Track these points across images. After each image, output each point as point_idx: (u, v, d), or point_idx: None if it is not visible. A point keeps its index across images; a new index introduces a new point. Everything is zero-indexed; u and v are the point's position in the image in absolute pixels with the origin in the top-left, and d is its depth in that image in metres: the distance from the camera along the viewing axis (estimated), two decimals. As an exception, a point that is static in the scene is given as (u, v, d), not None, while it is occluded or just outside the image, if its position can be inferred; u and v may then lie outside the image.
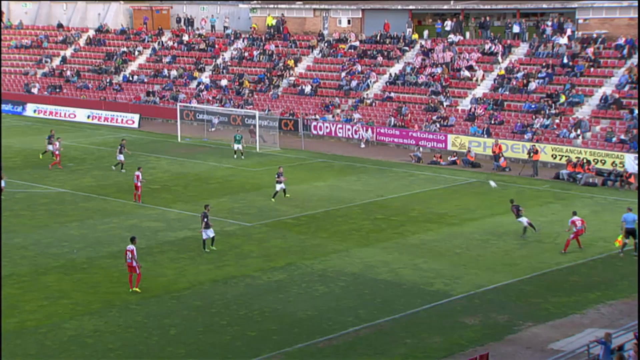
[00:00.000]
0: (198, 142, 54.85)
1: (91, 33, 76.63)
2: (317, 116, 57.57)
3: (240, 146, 48.61)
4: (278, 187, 37.88)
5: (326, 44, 64.77)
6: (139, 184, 36.93)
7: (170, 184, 41.57)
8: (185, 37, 71.63)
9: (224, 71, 66.47)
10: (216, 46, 69.81)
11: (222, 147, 53.06)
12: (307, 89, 61.30)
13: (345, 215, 35.00)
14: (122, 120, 62.87)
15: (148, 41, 73.57)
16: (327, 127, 56.11)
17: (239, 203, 37.46)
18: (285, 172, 44.38)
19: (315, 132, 56.54)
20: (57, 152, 44.93)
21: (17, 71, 75.86)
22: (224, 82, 64.88)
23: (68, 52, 76.17)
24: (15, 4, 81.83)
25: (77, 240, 31.11)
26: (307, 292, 25.59)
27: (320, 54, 64.48)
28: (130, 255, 25.29)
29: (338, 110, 57.74)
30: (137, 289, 25.28)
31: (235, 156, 48.38)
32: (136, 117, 62.40)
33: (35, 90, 70.88)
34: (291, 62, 64.27)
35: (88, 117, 64.37)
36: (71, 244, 30.50)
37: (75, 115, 65.05)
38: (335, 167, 46.56)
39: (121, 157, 43.97)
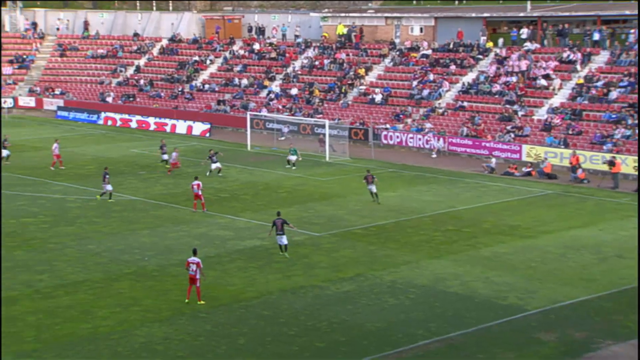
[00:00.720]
0: (267, 151, 55.39)
1: (164, 42, 78.44)
2: (388, 125, 57.43)
3: (293, 158, 48.87)
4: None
5: (398, 53, 64.63)
6: (199, 192, 37.28)
7: (239, 192, 42.10)
8: (256, 46, 72.58)
9: (294, 80, 67.03)
10: (287, 55, 70.47)
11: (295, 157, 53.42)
12: (378, 97, 61.23)
13: (415, 226, 34.77)
14: (194, 129, 64.02)
15: (219, 50, 74.83)
16: (397, 137, 55.89)
17: (307, 212, 37.65)
18: (354, 182, 44.36)
19: (385, 141, 56.40)
20: (173, 162, 46.77)
21: (93, 80, 78.22)
22: (294, 91, 65.43)
23: (142, 61, 78.13)
24: (93, 15, 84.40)
25: (148, 247, 31.81)
26: (376, 304, 25.48)
27: (392, 63, 64.36)
28: (194, 268, 25.03)
29: (409, 120, 57.47)
30: (201, 302, 25.18)
31: (287, 165, 48.77)
32: (207, 126, 63.43)
33: (109, 99, 72.90)
34: (362, 71, 64.36)
35: (160, 125, 65.74)
36: (142, 251, 31.19)
37: (147, 124, 66.59)
38: (405, 177, 46.34)
39: (216, 165, 45.20)
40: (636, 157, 44.77)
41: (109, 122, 68.71)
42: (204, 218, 36.48)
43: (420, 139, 54.44)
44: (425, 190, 41.95)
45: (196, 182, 37.86)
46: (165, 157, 48.84)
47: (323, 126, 55.97)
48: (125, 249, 31.49)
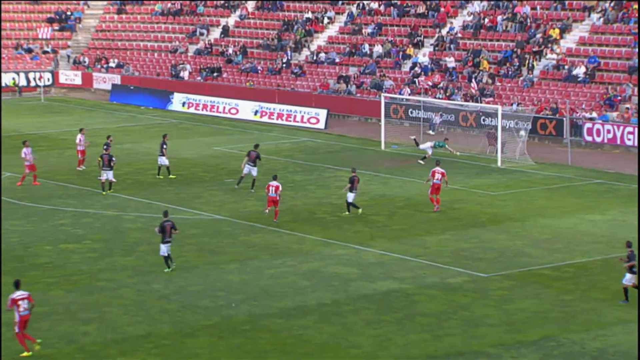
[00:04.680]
0: (411, 150, 55.44)
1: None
2: (594, 114, 56.40)
3: (430, 151, 50.19)
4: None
5: (612, 4, 63.38)
6: (277, 197, 39.68)
7: (368, 211, 42.28)
8: (396, -3, 73.02)
9: (452, 46, 66.85)
10: (442, 9, 70.46)
11: (446, 158, 53.24)
12: (579, 72, 60.22)
13: (634, 266, 33.97)
14: (303, 117, 64.97)
15: (343, 3, 75.66)
16: (608, 131, 54.83)
17: (468, 243, 37.42)
18: (540, 199, 43.63)
19: (589, 138, 55.50)
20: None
21: (163, 48, 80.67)
22: (451, 63, 65.28)
23: (231, 20, 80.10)
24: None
25: (236, 289, 32.36)
26: (572, 383, 25.06)
27: (602, 19, 63.16)
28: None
29: (627, 105, 56.28)
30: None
31: (420, 161, 50.34)
32: (323, 113, 64.24)
33: (185, 75, 75.06)
34: (555, 32, 63.47)
35: (255, 112, 67.18)
36: (228, 295, 31.80)
37: (237, 111, 68.09)
38: (620, 192, 45.34)
39: (248, 170, 45.79)
40: None
41: (184, 107, 70.68)
42: (316, 247, 36.86)
43: (643, 135, 53.48)
44: (651, 213, 40.91)
45: (274, 183, 39.74)
46: (164, 161, 48.58)
47: (494, 115, 55.43)
48: (205, 291, 32.18)
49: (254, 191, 44.97)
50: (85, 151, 50.42)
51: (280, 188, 39.84)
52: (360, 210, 41.43)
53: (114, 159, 45.22)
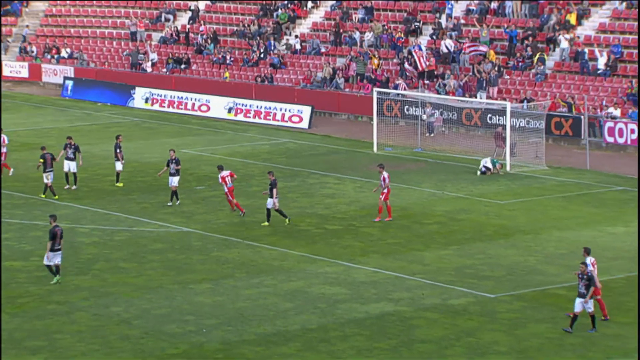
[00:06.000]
0: (407, 153, 55.41)
1: (237, -28, 79.94)
2: (617, 111, 56.52)
3: (489, 164, 50.00)
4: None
5: (636, -15, 63.61)
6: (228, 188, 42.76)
7: (358, 222, 42.26)
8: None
9: (453, 34, 66.83)
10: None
11: (448, 162, 53.30)
12: (600, 63, 60.31)
13: (663, 285, 34.04)
14: (284, 115, 64.91)
15: (328, -16, 75.63)
16: (632, 131, 54.99)
17: (473, 259, 37.43)
18: (554, 208, 43.68)
19: (610, 138, 55.68)
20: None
21: (122, 35, 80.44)
22: (445, 47, 65.03)
23: (201, 3, 79.90)
24: None
25: (208, 312, 32.28)
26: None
27: (624, 3, 63.29)
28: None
29: (654, 101, 56.45)
30: None
31: (479, 172, 50.05)
32: (306, 110, 64.20)
33: (148, 67, 74.86)
34: (572, 17, 63.56)
35: (229, 110, 67.08)
36: (198, 319, 31.71)
37: (209, 108, 67.98)
38: (646, 200, 45.50)
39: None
40: None
41: (148, 104, 70.54)
42: (299, 265, 36.80)
43: (672, 135, 53.66)
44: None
45: (226, 172, 42.78)
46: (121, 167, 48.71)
47: (502, 112, 55.46)
48: (171, 315, 32.07)
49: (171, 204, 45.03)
50: (5, 154, 50.26)
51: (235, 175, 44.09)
52: (287, 220, 41.71)
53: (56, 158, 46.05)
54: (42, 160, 45.64)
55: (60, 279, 34.60)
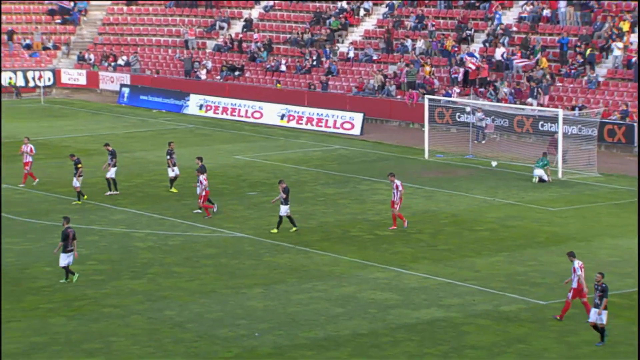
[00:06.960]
0: (459, 160, 55.33)
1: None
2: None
3: (541, 172, 49.74)
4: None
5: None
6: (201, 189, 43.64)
7: (410, 229, 42.26)
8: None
9: (505, 41, 66.66)
10: (493, -1, 70.27)
11: (499, 169, 53.11)
12: (651, 71, 59.94)
13: None
14: (336, 122, 64.99)
15: (381, -7, 75.65)
16: (689, 138, 54.59)
17: (525, 266, 37.29)
18: (607, 215, 43.41)
19: (663, 146, 55.27)
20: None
21: (177, 43, 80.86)
22: (498, 54, 64.87)
23: (255, 12, 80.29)
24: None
25: (260, 317, 32.38)
26: None
27: (676, 10, 62.84)
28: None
29: None
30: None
31: (535, 180, 49.85)
32: (358, 117, 64.25)
33: (202, 74, 75.29)
34: (625, 25, 63.15)
35: (282, 117, 67.29)
36: (250, 323, 31.82)
37: (261, 115, 68.23)
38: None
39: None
40: None
41: (202, 111, 70.90)
42: (351, 270, 36.83)
43: None
44: None
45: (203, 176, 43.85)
46: (173, 173, 48.96)
47: (554, 119, 55.18)
48: (224, 319, 32.22)
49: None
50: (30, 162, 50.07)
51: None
52: (294, 229, 41.64)
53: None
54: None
55: (74, 277, 35.41)
